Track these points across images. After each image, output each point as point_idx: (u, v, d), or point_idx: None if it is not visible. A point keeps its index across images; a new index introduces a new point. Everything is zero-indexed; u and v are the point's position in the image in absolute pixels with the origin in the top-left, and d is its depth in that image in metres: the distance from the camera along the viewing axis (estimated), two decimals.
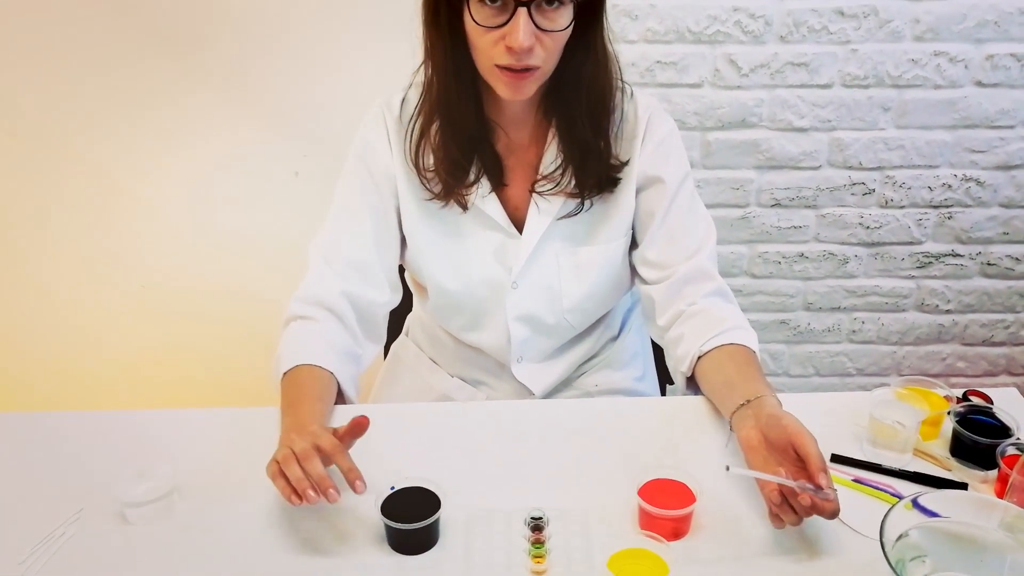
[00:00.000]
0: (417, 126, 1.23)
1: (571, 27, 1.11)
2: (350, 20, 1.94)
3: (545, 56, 1.12)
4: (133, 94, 2.00)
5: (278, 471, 0.98)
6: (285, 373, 1.17)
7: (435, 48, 1.17)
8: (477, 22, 1.09)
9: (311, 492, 0.94)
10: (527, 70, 1.12)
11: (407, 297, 1.47)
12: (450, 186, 1.24)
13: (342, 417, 1.18)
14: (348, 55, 1.97)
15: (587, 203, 1.26)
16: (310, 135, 2.05)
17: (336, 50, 1.97)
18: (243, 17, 1.93)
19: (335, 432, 1.02)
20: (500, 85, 1.15)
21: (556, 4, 1.08)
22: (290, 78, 2.00)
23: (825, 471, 0.94)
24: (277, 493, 0.99)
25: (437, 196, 1.26)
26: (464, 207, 1.26)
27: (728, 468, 0.99)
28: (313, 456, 0.97)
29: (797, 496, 0.94)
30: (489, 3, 1.07)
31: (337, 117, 2.00)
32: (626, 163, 1.26)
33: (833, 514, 0.94)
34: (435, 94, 1.20)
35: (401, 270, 1.38)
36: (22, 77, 1.98)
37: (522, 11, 1.06)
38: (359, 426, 1.02)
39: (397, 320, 1.52)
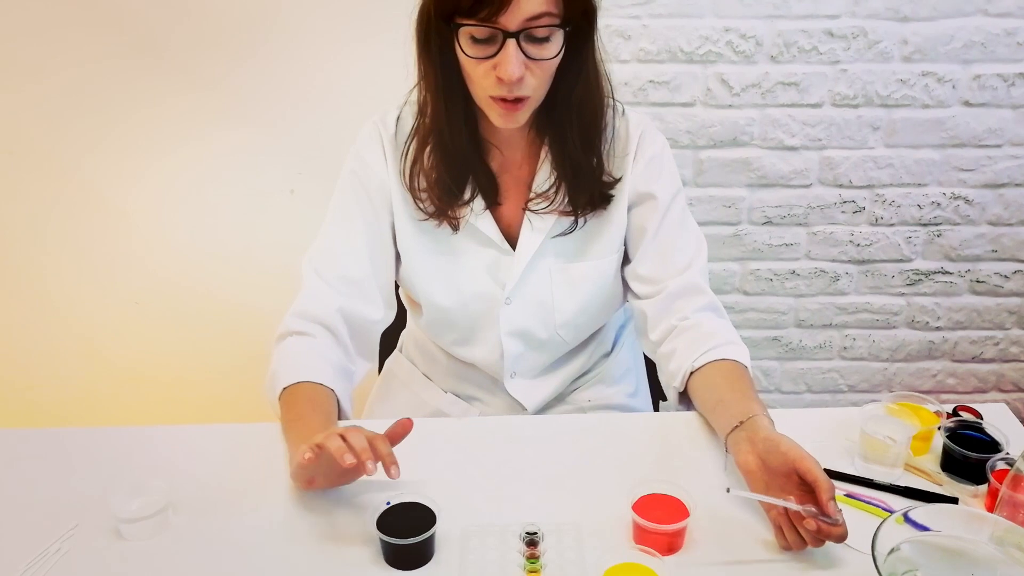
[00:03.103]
0: (412, 148, 1.25)
1: (561, 53, 1.12)
2: (345, 38, 1.95)
3: (536, 84, 1.13)
4: (126, 110, 2.01)
5: (314, 447, 0.98)
6: (285, 388, 1.17)
7: (427, 76, 1.19)
8: (467, 55, 1.11)
9: (349, 457, 0.94)
10: (519, 100, 1.13)
11: (401, 314, 1.48)
12: (442, 208, 1.25)
13: None
14: (344, 72, 1.98)
15: (580, 220, 1.27)
16: (305, 151, 2.06)
17: (331, 67, 1.98)
18: (238, 34, 1.94)
19: None
20: (494, 114, 1.16)
21: (545, 31, 1.09)
22: (286, 94, 2.01)
23: (834, 498, 0.95)
24: (273, 508, 0.99)
25: (430, 216, 1.27)
26: (455, 228, 1.28)
27: (728, 490, 1.00)
28: (359, 432, 0.98)
29: (803, 520, 0.95)
30: (478, 35, 1.09)
31: (332, 133, 2.01)
32: (619, 180, 1.27)
33: (841, 538, 0.95)
34: (429, 118, 1.21)
35: (396, 287, 1.38)
36: (8, 88, 1.99)
37: (511, 42, 1.07)
38: (404, 428, 1.04)
39: (391, 336, 1.52)
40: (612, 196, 1.28)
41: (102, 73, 1.97)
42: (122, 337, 2.26)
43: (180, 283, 2.19)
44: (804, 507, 0.96)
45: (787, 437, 1.03)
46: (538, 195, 1.26)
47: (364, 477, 1.02)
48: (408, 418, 1.05)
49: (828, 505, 0.94)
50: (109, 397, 2.32)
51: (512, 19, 1.06)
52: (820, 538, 0.96)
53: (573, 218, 1.27)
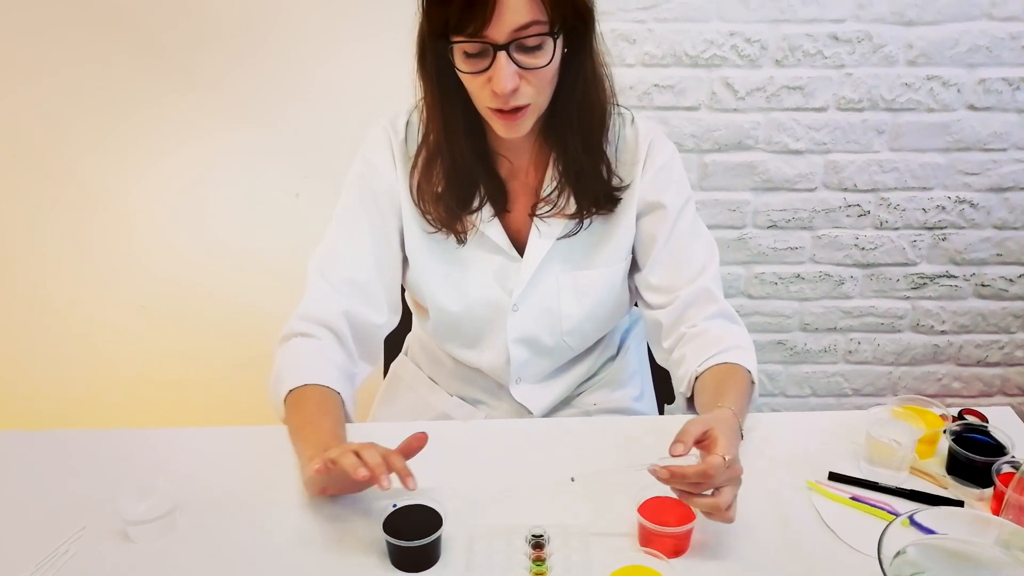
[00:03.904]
0: (419, 164, 1.25)
1: (555, 60, 1.11)
2: (345, 38, 1.95)
3: (535, 92, 1.13)
4: (126, 110, 2.02)
5: (327, 461, 0.98)
6: (291, 391, 1.17)
7: (428, 96, 1.19)
8: (461, 70, 1.11)
9: (362, 471, 0.94)
10: (519, 109, 1.13)
11: (407, 317, 1.48)
12: (449, 223, 1.26)
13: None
14: (344, 72, 1.99)
15: (586, 221, 1.27)
16: (305, 151, 2.06)
17: (331, 67, 1.99)
18: (238, 34, 1.95)
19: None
20: (496, 125, 1.16)
21: (536, 40, 1.08)
22: (286, 94, 2.01)
23: (683, 442, 0.98)
24: (279, 510, 0.99)
25: (438, 230, 1.27)
26: (461, 242, 1.28)
27: (572, 479, 1.05)
28: (372, 448, 0.98)
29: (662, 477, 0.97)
30: (470, 51, 1.09)
31: (333, 133, 2.01)
32: (627, 185, 1.27)
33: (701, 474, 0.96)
34: (433, 136, 1.22)
35: (402, 290, 1.38)
36: (8, 88, 1.99)
37: (501, 55, 1.07)
38: (419, 441, 1.03)
39: (396, 339, 1.53)
40: (619, 199, 1.27)
41: (102, 73, 1.97)
42: (124, 338, 2.26)
43: (181, 284, 2.20)
44: (649, 465, 0.98)
45: (720, 413, 1.05)
46: (543, 199, 1.26)
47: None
48: (423, 432, 1.04)
49: (672, 447, 0.97)
50: (112, 399, 2.32)
51: (499, 31, 1.06)
52: (694, 481, 0.97)
53: (579, 219, 1.27)
